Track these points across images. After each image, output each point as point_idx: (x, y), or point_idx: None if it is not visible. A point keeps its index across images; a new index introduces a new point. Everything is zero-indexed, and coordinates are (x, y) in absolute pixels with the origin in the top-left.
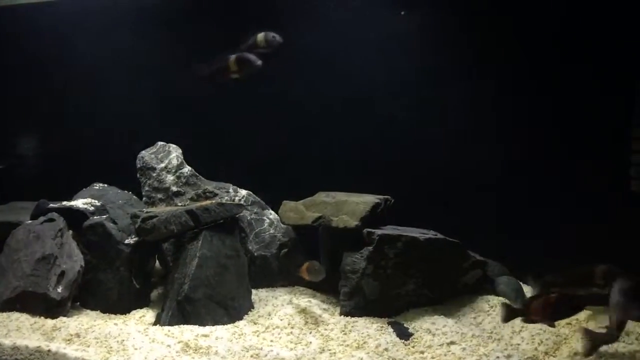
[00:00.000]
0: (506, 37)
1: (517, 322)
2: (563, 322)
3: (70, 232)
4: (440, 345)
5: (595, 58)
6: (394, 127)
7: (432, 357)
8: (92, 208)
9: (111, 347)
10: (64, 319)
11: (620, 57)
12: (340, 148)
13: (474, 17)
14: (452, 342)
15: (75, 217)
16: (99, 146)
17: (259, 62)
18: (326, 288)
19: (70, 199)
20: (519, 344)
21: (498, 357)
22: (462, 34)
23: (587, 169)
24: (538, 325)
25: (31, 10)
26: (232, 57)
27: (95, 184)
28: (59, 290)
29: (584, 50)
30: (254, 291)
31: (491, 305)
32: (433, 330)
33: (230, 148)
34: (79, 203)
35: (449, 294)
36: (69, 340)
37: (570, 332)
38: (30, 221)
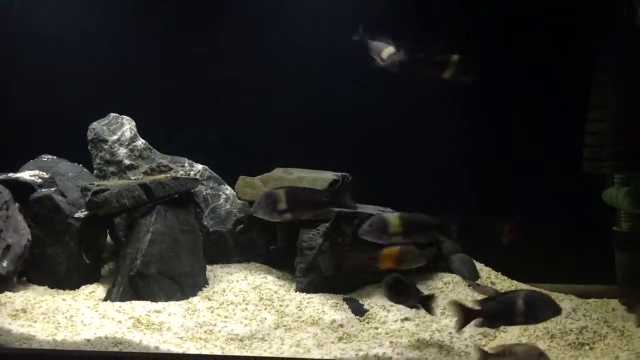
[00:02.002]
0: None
1: (470, 298)
2: None
3: (17, 205)
4: (394, 321)
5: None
6: (353, 103)
7: (387, 333)
8: (40, 180)
9: (59, 323)
10: (10, 294)
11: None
12: (299, 123)
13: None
14: (406, 319)
15: (21, 190)
16: (48, 116)
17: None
18: (282, 264)
19: (16, 170)
20: None
21: (450, 332)
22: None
23: (540, 152)
24: None
25: None
26: (456, 56)
27: (43, 156)
28: (4, 264)
29: None
30: (208, 267)
31: (445, 283)
32: (388, 307)
33: (187, 122)
34: (26, 175)
35: (404, 272)
36: (14, 315)
37: None
38: None
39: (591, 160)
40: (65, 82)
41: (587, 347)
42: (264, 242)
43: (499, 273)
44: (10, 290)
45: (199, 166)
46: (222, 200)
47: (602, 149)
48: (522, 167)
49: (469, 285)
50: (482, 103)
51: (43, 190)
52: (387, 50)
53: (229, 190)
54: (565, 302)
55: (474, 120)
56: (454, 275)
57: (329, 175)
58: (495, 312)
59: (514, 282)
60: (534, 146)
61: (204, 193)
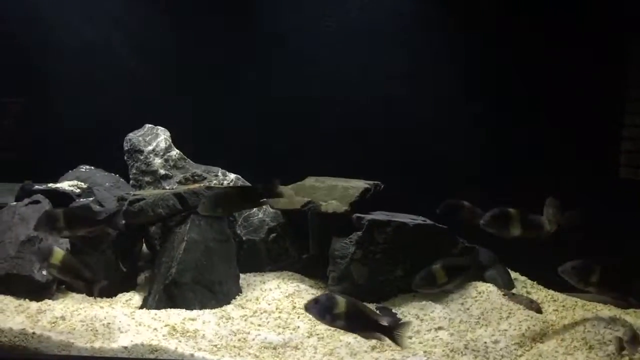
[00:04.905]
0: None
1: (505, 308)
2: (550, 309)
3: None
4: (428, 331)
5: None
6: (384, 113)
7: (420, 342)
8: (78, 190)
9: (97, 331)
10: (49, 301)
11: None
12: (329, 133)
13: None
14: (440, 328)
15: (60, 199)
16: (86, 127)
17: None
18: (315, 273)
19: (55, 181)
20: (506, 330)
21: (485, 342)
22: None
23: (575, 156)
24: (525, 312)
25: None
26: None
27: (81, 166)
28: (44, 272)
29: None
30: (242, 276)
31: (479, 292)
32: (421, 316)
33: (222, 132)
34: (65, 185)
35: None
36: (54, 323)
37: (557, 318)
38: (14, 203)
39: (629, 167)
40: (101, 94)
41: (627, 359)
42: (297, 251)
43: (534, 282)
44: (49, 298)
45: (232, 175)
46: (254, 209)
47: None
48: (558, 171)
49: (504, 295)
50: (512, 109)
51: (81, 200)
52: None
53: None
54: (604, 311)
55: (507, 129)
56: (488, 284)
57: (361, 184)
58: None
59: (550, 291)
60: (571, 153)
61: None
